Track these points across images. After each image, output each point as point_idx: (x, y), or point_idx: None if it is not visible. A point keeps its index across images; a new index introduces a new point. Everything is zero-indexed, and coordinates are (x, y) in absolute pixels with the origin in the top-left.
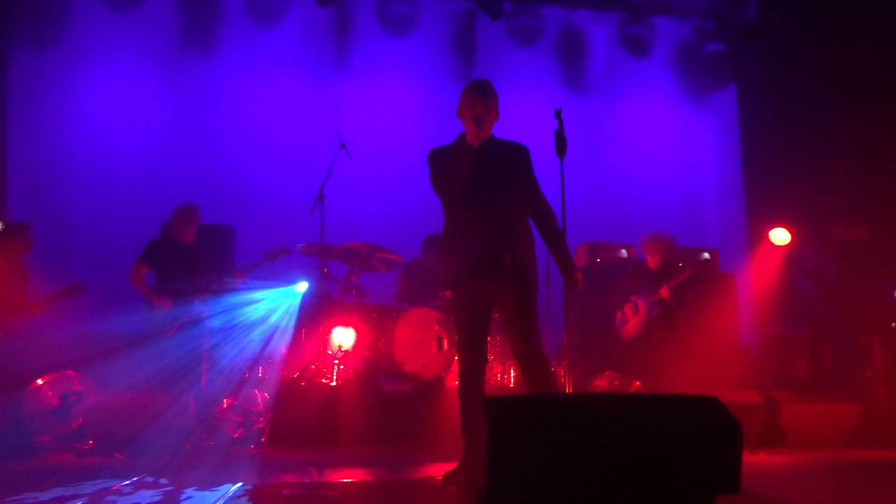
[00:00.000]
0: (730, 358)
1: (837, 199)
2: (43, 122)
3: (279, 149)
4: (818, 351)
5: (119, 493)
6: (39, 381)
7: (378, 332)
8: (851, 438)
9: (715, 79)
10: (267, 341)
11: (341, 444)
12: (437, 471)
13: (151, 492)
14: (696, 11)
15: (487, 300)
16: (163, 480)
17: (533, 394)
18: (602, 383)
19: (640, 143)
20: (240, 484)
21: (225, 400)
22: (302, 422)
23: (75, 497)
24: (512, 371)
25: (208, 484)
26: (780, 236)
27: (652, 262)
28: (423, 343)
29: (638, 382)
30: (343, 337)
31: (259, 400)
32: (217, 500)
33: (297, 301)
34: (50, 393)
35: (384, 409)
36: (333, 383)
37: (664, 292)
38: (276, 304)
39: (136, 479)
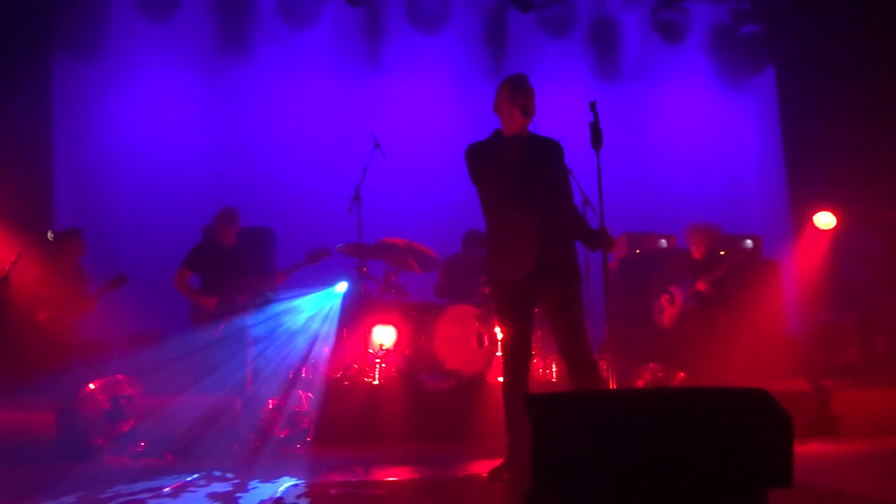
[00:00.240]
0: (777, 347)
1: (884, 180)
2: (86, 129)
3: (315, 150)
4: (868, 337)
5: (195, 484)
6: (91, 386)
7: (418, 329)
8: None
9: (753, 62)
10: (310, 343)
11: (385, 441)
12: (482, 468)
13: (223, 483)
14: None
15: (533, 295)
16: (229, 474)
17: (577, 391)
18: (645, 375)
19: (678, 130)
20: (294, 480)
21: (270, 401)
22: (346, 421)
23: (160, 487)
24: (554, 366)
25: (267, 478)
26: (825, 220)
27: (696, 252)
28: (464, 340)
29: (682, 374)
30: (384, 336)
31: (304, 400)
32: (275, 492)
33: (337, 302)
34: (102, 396)
35: (426, 406)
36: (376, 382)
37: (701, 286)
38: (317, 309)
39: (204, 473)
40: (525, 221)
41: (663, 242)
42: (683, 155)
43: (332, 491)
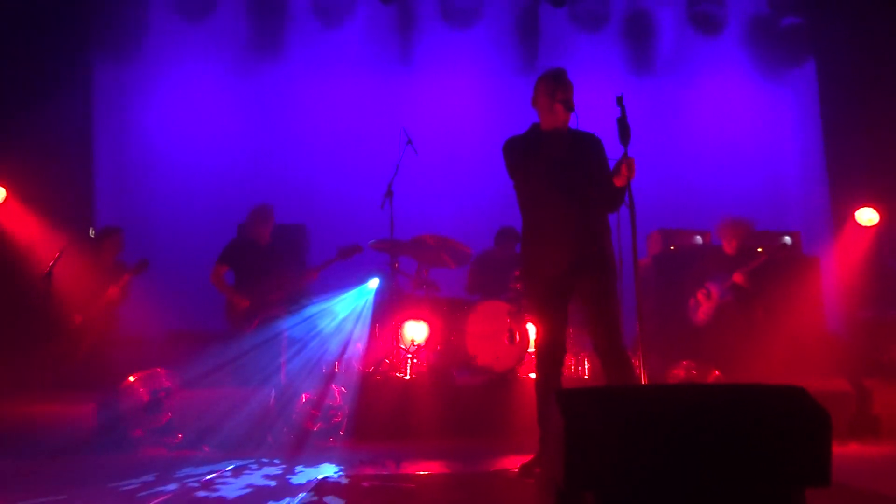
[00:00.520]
0: (816, 345)
1: None
2: (125, 130)
3: (348, 147)
4: None
5: (248, 468)
6: (131, 378)
7: (450, 325)
8: None
9: (792, 54)
10: (343, 339)
11: (417, 436)
12: (513, 463)
13: (274, 468)
14: None
15: (568, 290)
16: (276, 461)
17: (609, 386)
18: (679, 373)
19: (715, 124)
20: (334, 467)
21: (304, 395)
22: (378, 415)
23: (223, 470)
24: (586, 362)
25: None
26: (867, 216)
27: (729, 247)
28: (495, 336)
29: (717, 371)
30: (416, 331)
31: (337, 394)
32: (310, 484)
33: (370, 298)
34: (141, 389)
35: (458, 402)
36: (407, 377)
37: (738, 277)
38: (350, 310)
39: (254, 459)
40: (562, 216)
41: (698, 239)
42: (720, 149)
43: (365, 484)
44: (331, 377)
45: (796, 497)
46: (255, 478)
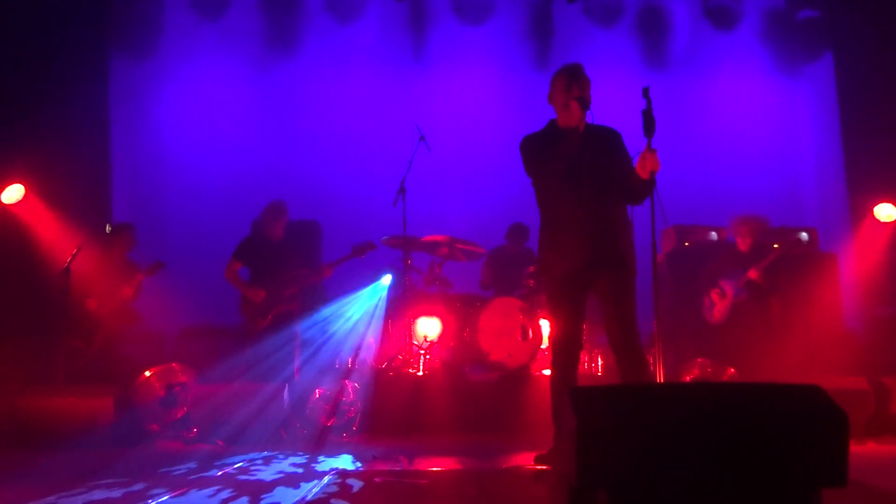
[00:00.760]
0: (833, 343)
1: None
2: (141, 125)
3: (360, 143)
4: None
5: (276, 458)
6: (147, 373)
7: (463, 321)
8: None
9: (809, 48)
10: (356, 336)
11: (429, 432)
12: (525, 460)
13: (299, 458)
14: None
15: (586, 287)
16: (300, 452)
17: (622, 384)
18: (694, 371)
19: (730, 120)
20: (350, 458)
21: (318, 390)
22: (391, 411)
23: (254, 459)
24: (600, 359)
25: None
26: (886, 212)
27: (742, 244)
28: (508, 332)
29: (732, 370)
30: (428, 327)
31: (350, 390)
32: (323, 476)
33: (383, 295)
34: (157, 384)
35: (470, 398)
36: (420, 373)
37: (753, 274)
38: (364, 310)
39: (276, 452)
40: (581, 213)
41: (713, 235)
42: (736, 144)
43: (377, 479)
44: (344, 373)
45: (812, 497)
46: (284, 465)
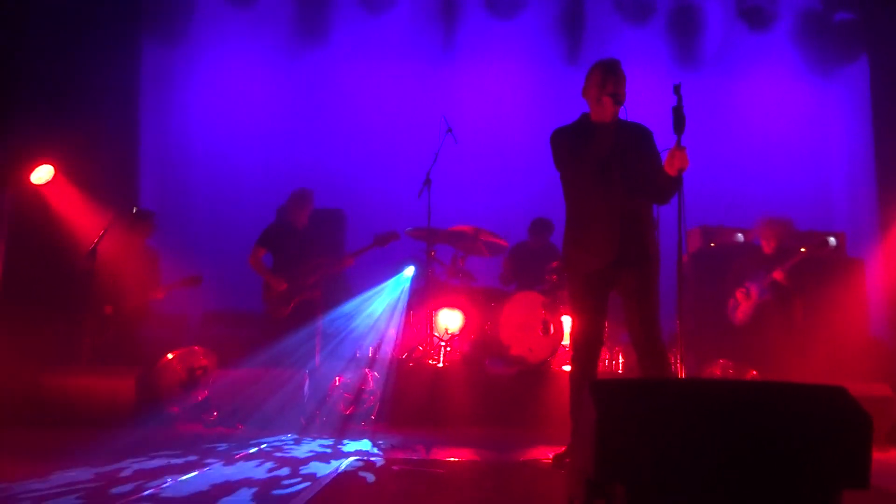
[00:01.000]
0: (858, 348)
1: None
2: (170, 110)
3: (388, 134)
4: None
5: (302, 440)
6: (169, 356)
7: (484, 315)
8: None
9: (844, 50)
10: (378, 328)
11: (447, 424)
12: (543, 454)
13: (322, 440)
14: None
15: (609, 284)
16: (325, 435)
17: (643, 378)
18: (715, 371)
19: (761, 121)
20: (369, 444)
21: (337, 378)
22: (410, 401)
23: (285, 441)
24: (620, 357)
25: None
26: None
27: (767, 247)
28: (530, 327)
29: (754, 371)
30: (450, 320)
31: (370, 379)
32: (339, 464)
33: (405, 286)
34: (179, 367)
35: (490, 391)
36: (440, 365)
37: (777, 275)
38: (386, 303)
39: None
40: (608, 210)
41: (739, 236)
42: (765, 146)
43: (395, 468)
44: (364, 362)
45: (833, 498)
46: (313, 446)
